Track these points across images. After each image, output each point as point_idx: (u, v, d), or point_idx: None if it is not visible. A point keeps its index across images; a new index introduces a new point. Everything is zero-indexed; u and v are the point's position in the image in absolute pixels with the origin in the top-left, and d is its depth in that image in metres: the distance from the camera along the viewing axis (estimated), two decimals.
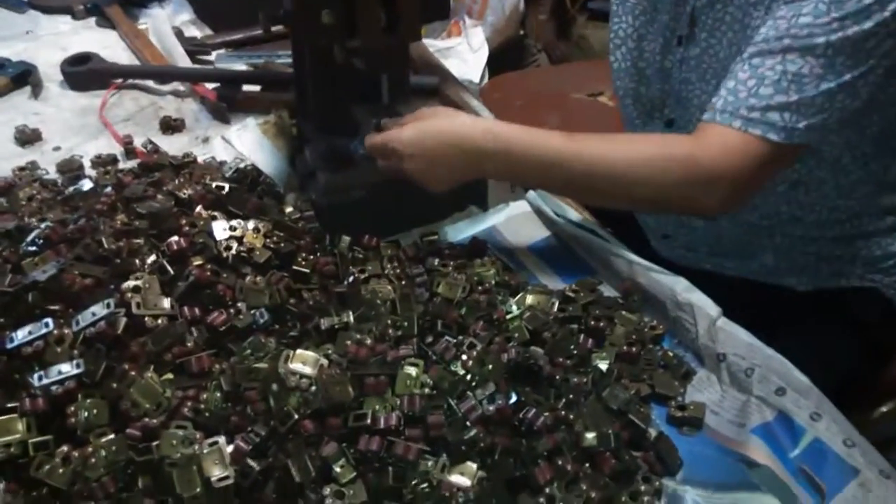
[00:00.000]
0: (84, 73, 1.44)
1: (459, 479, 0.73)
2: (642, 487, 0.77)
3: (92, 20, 1.70)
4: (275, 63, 1.51)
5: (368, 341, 0.84)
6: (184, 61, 1.50)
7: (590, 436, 0.79)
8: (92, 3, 1.70)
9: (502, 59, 2.36)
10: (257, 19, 1.19)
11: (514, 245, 1.10)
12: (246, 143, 1.23)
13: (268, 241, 0.96)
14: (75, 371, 0.77)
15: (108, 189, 1.06)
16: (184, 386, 0.80)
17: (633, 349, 0.91)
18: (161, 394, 0.77)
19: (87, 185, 1.08)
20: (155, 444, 0.74)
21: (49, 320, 0.81)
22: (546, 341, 0.89)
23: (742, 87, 0.90)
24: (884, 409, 1.12)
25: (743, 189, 0.93)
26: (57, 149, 1.28)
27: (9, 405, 0.77)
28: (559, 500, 0.74)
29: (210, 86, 1.40)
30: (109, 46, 1.58)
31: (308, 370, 0.78)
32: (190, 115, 1.37)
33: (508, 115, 1.13)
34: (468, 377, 0.80)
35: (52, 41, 1.60)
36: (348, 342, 0.83)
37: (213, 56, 1.55)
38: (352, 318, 0.87)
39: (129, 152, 1.25)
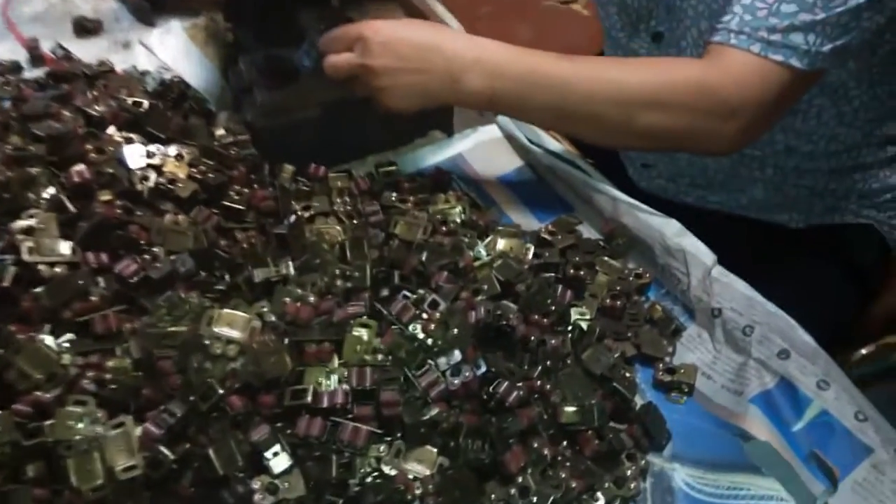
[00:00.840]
0: None
1: (417, 467, 0.69)
2: (626, 465, 0.75)
3: None
4: None
5: (312, 298, 0.78)
6: None
7: (569, 410, 0.75)
8: None
9: None
10: None
11: (482, 176, 1.05)
12: (170, 50, 1.15)
13: (193, 170, 0.88)
14: None
15: (7, 104, 0.96)
16: (85, 351, 0.72)
17: (618, 302, 0.87)
18: (56, 362, 0.70)
19: None
20: (48, 423, 0.67)
21: None
22: (520, 294, 0.84)
23: (761, 2, 0.84)
24: (864, 351, 1.10)
25: (760, 124, 0.88)
26: None
27: None
28: (533, 493, 0.69)
29: None
30: None
31: (237, 334, 0.72)
32: (109, 15, 1.26)
33: (474, 26, 1.08)
34: (429, 342, 0.74)
35: None
36: (287, 299, 0.77)
37: None
38: (292, 270, 0.81)
39: (36, 59, 1.15)
